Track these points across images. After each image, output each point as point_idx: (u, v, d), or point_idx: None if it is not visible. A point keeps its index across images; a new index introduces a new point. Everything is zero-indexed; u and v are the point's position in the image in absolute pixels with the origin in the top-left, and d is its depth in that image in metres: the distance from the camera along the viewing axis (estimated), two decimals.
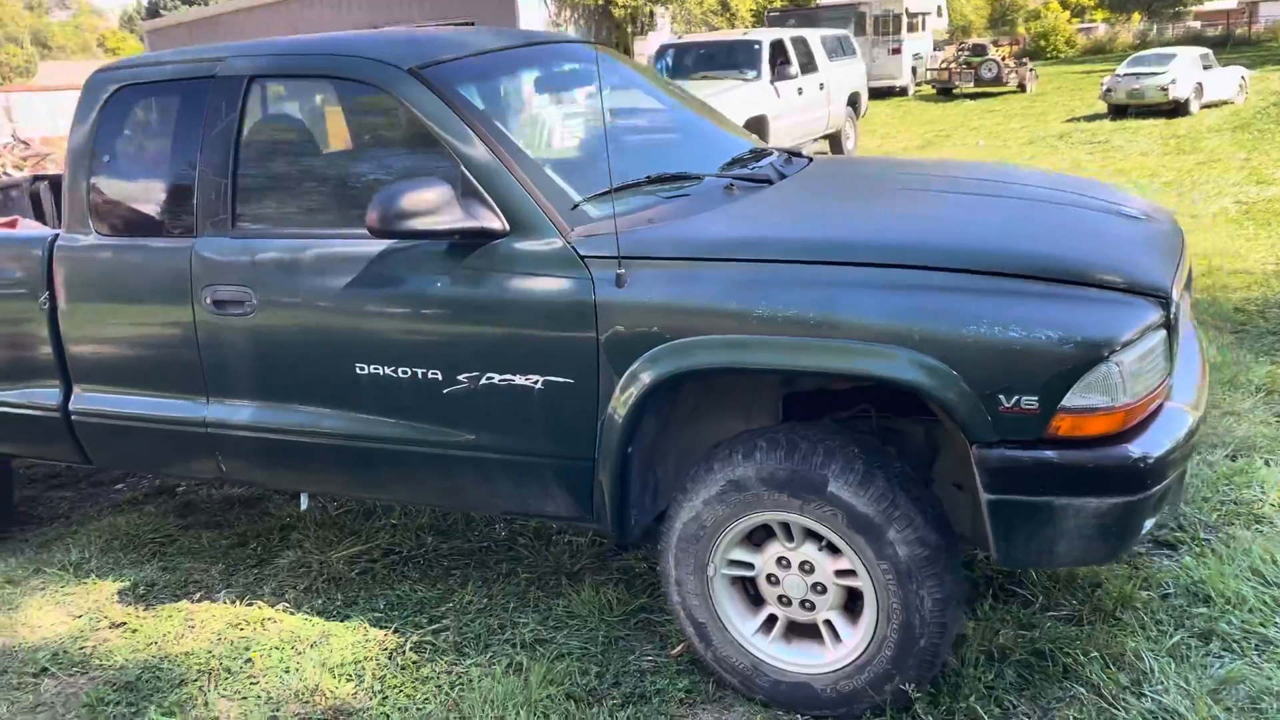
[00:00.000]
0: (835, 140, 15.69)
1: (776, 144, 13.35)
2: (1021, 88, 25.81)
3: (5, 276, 3.58)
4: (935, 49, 31.25)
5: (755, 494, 2.68)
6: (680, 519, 2.81)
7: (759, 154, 3.64)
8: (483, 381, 2.92)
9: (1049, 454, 2.42)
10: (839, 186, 3.37)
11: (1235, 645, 2.96)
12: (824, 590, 2.74)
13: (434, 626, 3.30)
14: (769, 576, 2.81)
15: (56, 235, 3.52)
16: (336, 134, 3.34)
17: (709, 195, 3.13)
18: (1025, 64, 26.53)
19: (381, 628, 3.32)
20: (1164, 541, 3.57)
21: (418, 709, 2.90)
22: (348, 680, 3.06)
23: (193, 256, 3.25)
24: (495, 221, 2.87)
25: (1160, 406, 2.58)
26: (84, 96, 3.52)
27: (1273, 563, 3.32)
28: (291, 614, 3.45)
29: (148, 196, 3.44)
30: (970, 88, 26.20)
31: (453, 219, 2.82)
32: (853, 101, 16.11)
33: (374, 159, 3.29)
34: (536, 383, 2.86)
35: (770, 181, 3.32)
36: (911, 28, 27.55)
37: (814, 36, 15.25)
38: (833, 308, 2.55)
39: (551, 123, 3.63)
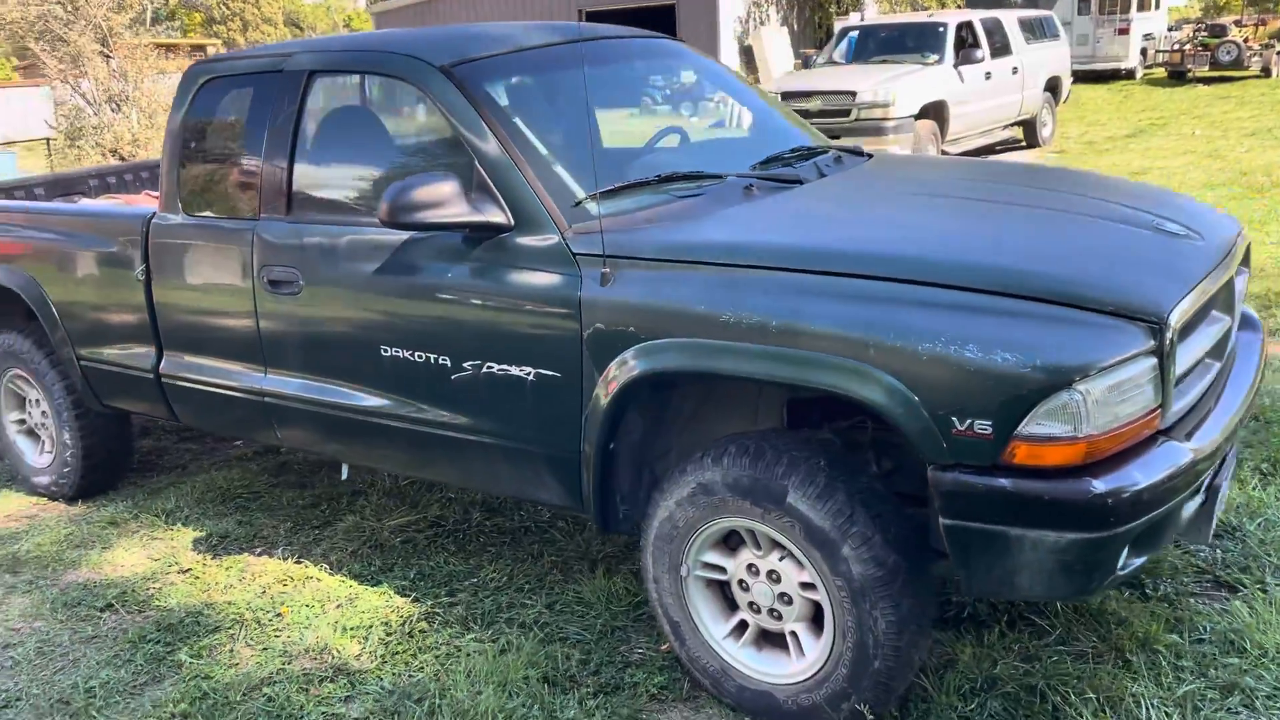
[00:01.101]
0: (1030, 127, 14.92)
1: (962, 131, 12.85)
2: (1266, 72, 23.63)
3: (112, 248, 3.96)
4: (1171, 29, 29.02)
5: (721, 499, 2.67)
6: (657, 518, 2.84)
7: (809, 152, 3.57)
8: (484, 370, 3.03)
9: (1003, 482, 2.31)
10: (868, 190, 3.26)
11: (1258, 703, 2.72)
12: (790, 601, 2.71)
13: (450, 599, 3.46)
14: (740, 582, 2.80)
15: (154, 213, 3.88)
16: (379, 127, 3.52)
17: (724, 195, 3.11)
18: (1274, 47, 24.24)
19: (404, 595, 3.51)
20: (1223, 581, 3.30)
21: (410, 676, 3.06)
22: (357, 642, 3.26)
23: (254, 238, 3.52)
24: (500, 216, 2.97)
25: (1151, 438, 2.40)
26: (181, 87, 3.86)
27: None
28: (331, 574, 3.69)
29: (224, 181, 3.73)
30: (1205, 71, 24.18)
31: (458, 212, 2.93)
32: (1051, 86, 15.25)
33: (407, 152, 3.44)
34: (529, 374, 2.95)
35: (800, 182, 3.26)
36: (1142, 6, 25.66)
37: (1010, 18, 14.51)
38: (795, 317, 2.51)
39: (597, 117, 3.67)
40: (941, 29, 13.20)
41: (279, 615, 3.44)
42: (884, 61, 13.18)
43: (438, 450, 3.27)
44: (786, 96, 12.57)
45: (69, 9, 15.66)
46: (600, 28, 3.88)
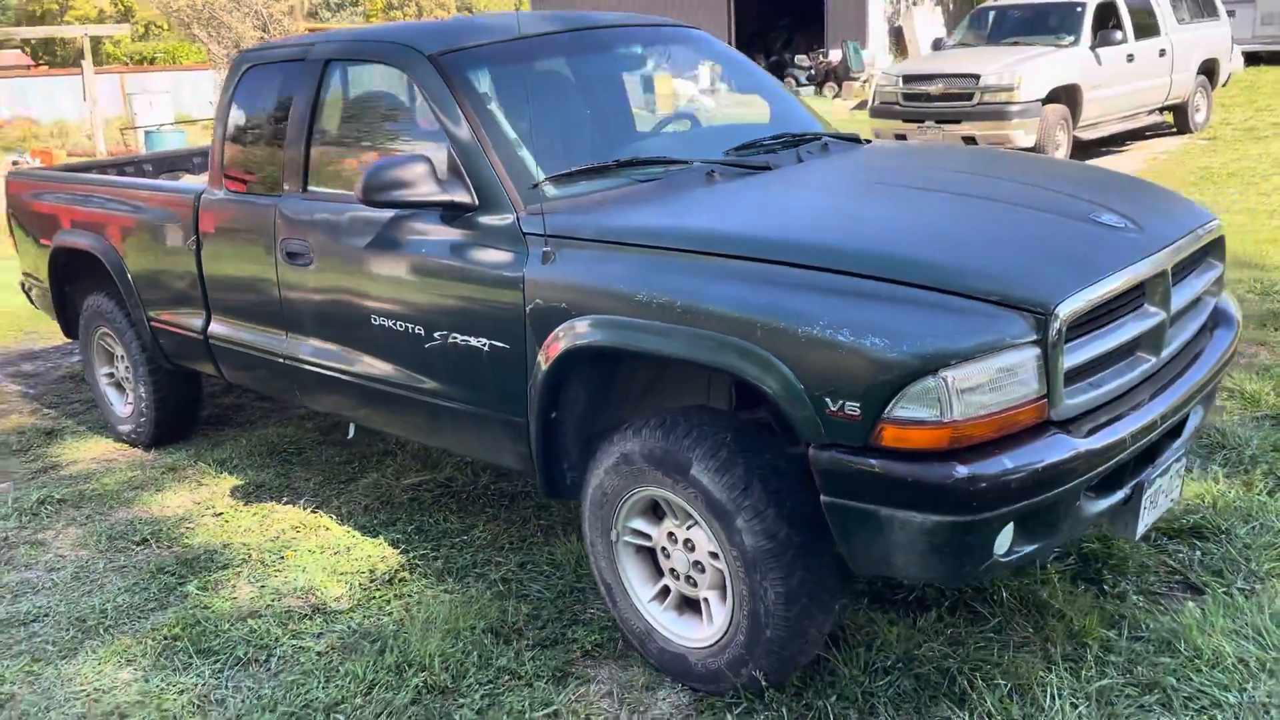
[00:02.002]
0: (1181, 112, 14.14)
1: (1097, 116, 12.31)
2: None
3: (170, 219, 4.38)
4: None
5: (639, 468, 2.82)
6: (591, 485, 3.00)
7: (796, 140, 3.64)
8: (450, 340, 3.26)
9: (873, 462, 2.38)
10: (825, 178, 3.30)
11: (1176, 703, 2.69)
12: (703, 569, 2.84)
13: (434, 554, 3.71)
14: (663, 549, 2.94)
15: (204, 189, 4.26)
16: (378, 111, 3.78)
17: (682, 181, 3.23)
18: None
19: (396, 547, 3.79)
20: (1191, 583, 3.23)
21: (377, 619, 3.33)
22: (342, 585, 3.55)
23: (276, 213, 3.84)
24: (466, 196, 3.18)
25: (1041, 428, 2.42)
26: (229, 73, 4.23)
27: None
28: (339, 525, 4.01)
29: (256, 159, 4.08)
30: None
31: (427, 192, 3.16)
32: (1207, 69, 14.38)
33: (400, 134, 3.67)
34: (485, 345, 3.16)
35: (768, 169, 3.35)
36: None
37: None
38: (696, 298, 2.62)
39: (582, 102, 3.83)
40: (1079, 9, 12.65)
41: (283, 558, 3.78)
42: (1016, 43, 12.75)
43: (419, 414, 3.52)
44: (908, 80, 12.36)
45: None
46: (610, 16, 4.03)
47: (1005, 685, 2.78)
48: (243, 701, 2.97)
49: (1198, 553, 3.39)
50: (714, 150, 3.49)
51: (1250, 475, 3.82)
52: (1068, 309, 2.41)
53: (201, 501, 4.34)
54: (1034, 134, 11.50)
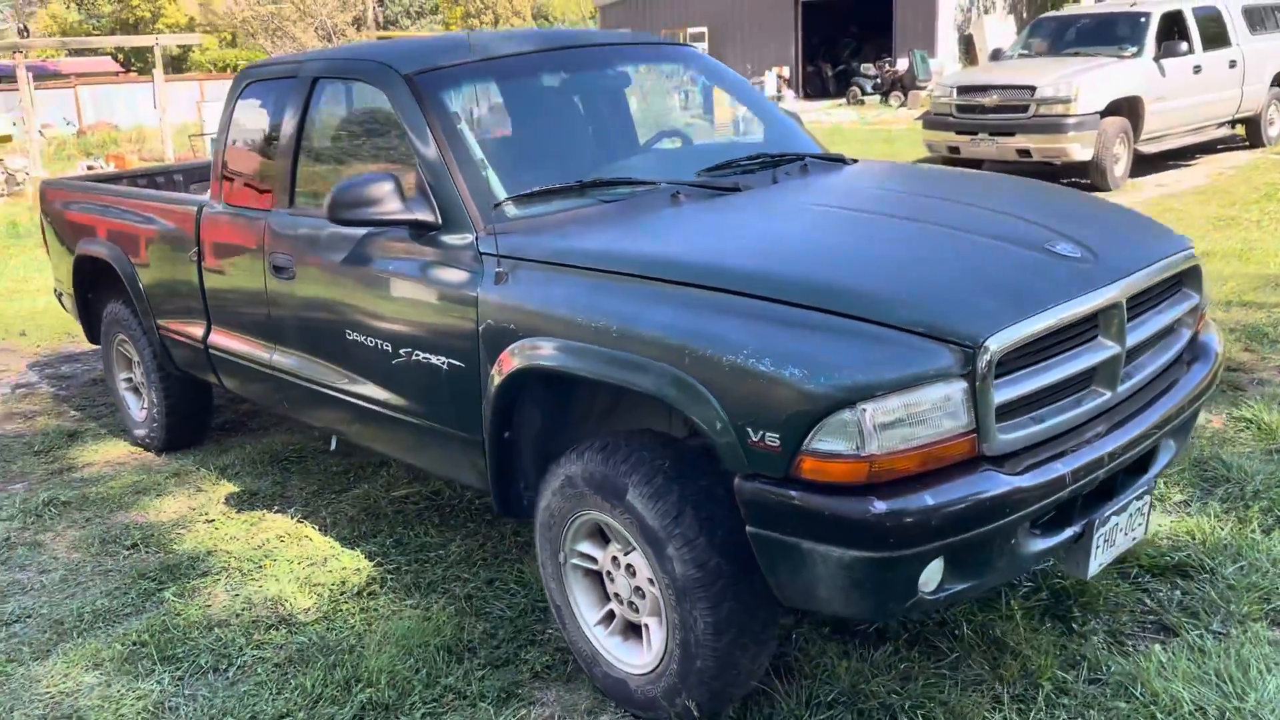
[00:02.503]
0: (1254, 125, 13.69)
1: (1161, 129, 11.96)
2: None
3: (175, 230, 4.49)
4: None
5: (581, 492, 2.80)
6: (540, 506, 2.99)
7: (775, 160, 3.60)
8: (414, 357, 3.28)
9: (793, 494, 2.34)
10: (790, 202, 3.24)
11: None
12: (644, 595, 2.81)
13: (407, 567, 3.74)
14: (608, 573, 2.92)
15: (206, 202, 4.36)
16: (359, 129, 3.82)
17: (645, 203, 3.22)
18: None
19: (371, 560, 3.82)
20: (1166, 624, 3.12)
21: (338, 632, 3.36)
22: (311, 597, 3.59)
23: (265, 227, 3.91)
24: (429, 215, 3.20)
25: (972, 463, 2.35)
26: (231, 87, 4.32)
27: (1262, 672, 2.80)
28: (322, 535, 4.06)
29: (250, 174, 4.16)
30: None
31: (391, 210, 3.18)
32: None
33: (377, 153, 3.69)
34: (444, 363, 3.17)
35: (736, 190, 3.32)
36: None
37: (1233, 6, 13.33)
38: (632, 322, 2.61)
39: (563, 121, 3.83)
40: (1144, 19, 12.31)
41: (261, 567, 3.83)
42: (1076, 54, 12.45)
43: (389, 430, 3.55)
44: (962, 91, 12.15)
45: (299, 7, 17.14)
46: (599, 34, 4.03)
47: None
48: (195, 710, 3.02)
49: (1177, 592, 3.26)
50: (690, 171, 3.47)
51: (1248, 512, 3.67)
52: (999, 343, 2.33)
53: (197, 507, 4.43)
54: (1091, 147, 11.21)
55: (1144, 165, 12.23)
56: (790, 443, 2.31)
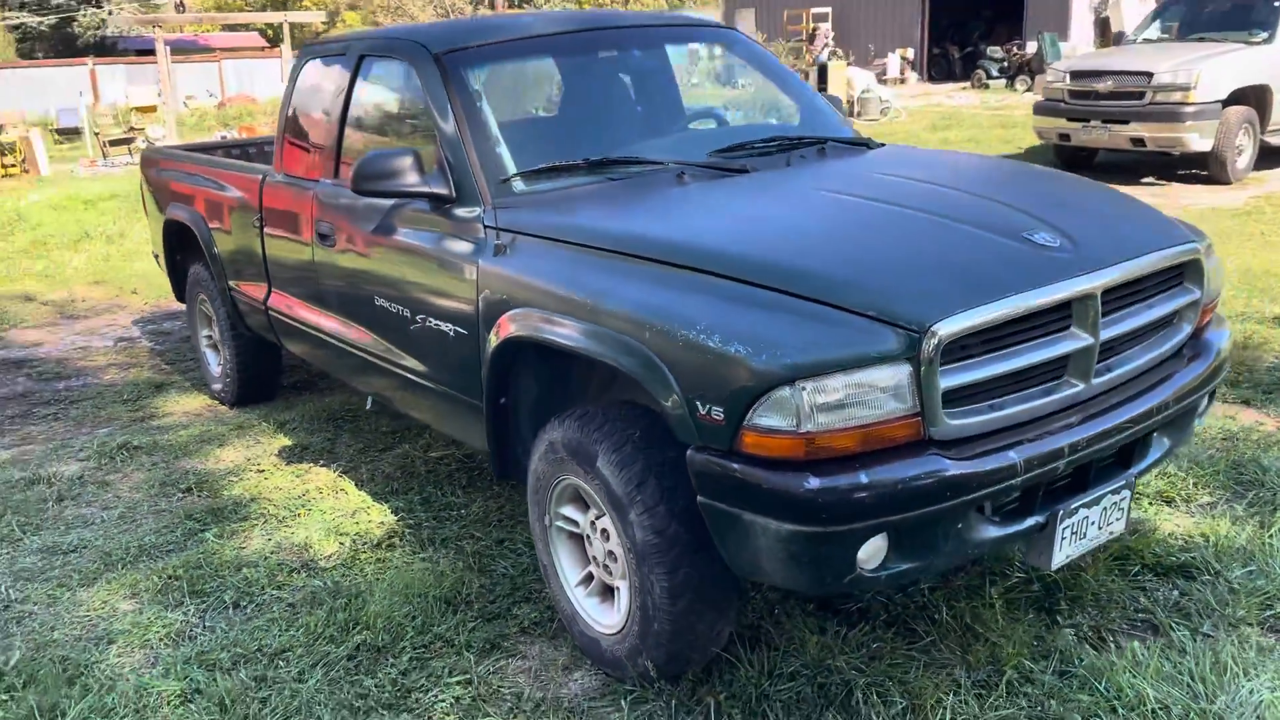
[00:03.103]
0: None
1: None
2: None
3: (242, 198, 4.77)
4: None
5: (561, 457, 2.93)
6: (529, 469, 3.13)
7: (793, 143, 3.64)
8: (428, 323, 3.45)
9: (735, 467, 2.41)
10: (791, 185, 3.27)
11: None
12: (616, 558, 2.92)
13: (426, 523, 3.93)
14: (587, 537, 3.04)
15: (269, 172, 4.62)
16: (393, 103, 4.00)
17: (651, 182, 3.31)
18: None
19: (397, 514, 4.03)
20: (1157, 623, 3.07)
21: (352, 579, 3.57)
22: (335, 545, 3.82)
23: (314, 196, 4.14)
24: (444, 188, 3.36)
25: (919, 446, 2.38)
26: (294, 64, 4.56)
27: (1238, 675, 2.75)
28: (357, 490, 4.29)
29: (304, 146, 4.39)
30: None
31: (410, 183, 3.35)
32: None
33: (408, 127, 3.87)
34: (450, 330, 3.33)
35: (744, 172, 3.38)
36: None
37: None
38: (604, 297, 2.71)
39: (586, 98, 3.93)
40: (1277, 4, 11.67)
41: (297, 516, 4.08)
42: (1202, 39, 11.88)
43: (410, 391, 3.74)
44: (1076, 76, 11.73)
45: None
46: (632, 15, 4.11)
47: (901, 703, 2.74)
48: (210, 640, 3.27)
49: (1175, 592, 3.20)
50: (704, 152, 3.53)
51: (1274, 517, 3.55)
52: (948, 329, 2.35)
53: (252, 458, 4.72)
54: (1210, 138, 10.72)
55: (1273, 157, 11.63)
56: (733, 417, 2.38)
